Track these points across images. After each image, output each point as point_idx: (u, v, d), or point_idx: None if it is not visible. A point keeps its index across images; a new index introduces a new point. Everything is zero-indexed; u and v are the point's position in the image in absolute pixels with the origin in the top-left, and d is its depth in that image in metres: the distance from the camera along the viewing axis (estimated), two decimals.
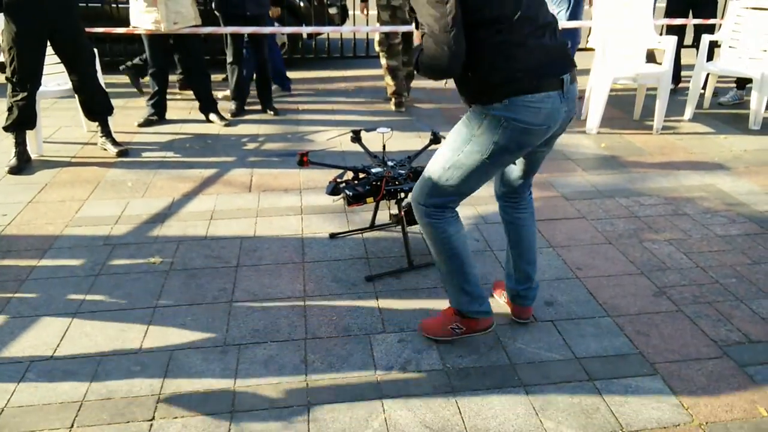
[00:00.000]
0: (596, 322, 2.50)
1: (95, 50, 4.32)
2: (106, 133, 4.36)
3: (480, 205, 3.53)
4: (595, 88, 4.74)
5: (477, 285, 2.26)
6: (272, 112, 5.22)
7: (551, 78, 1.93)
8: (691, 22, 5.48)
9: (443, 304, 2.61)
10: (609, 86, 4.62)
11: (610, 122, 4.95)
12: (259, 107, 5.32)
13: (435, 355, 2.30)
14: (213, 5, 5.03)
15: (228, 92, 5.36)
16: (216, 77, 5.65)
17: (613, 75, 4.62)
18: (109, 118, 4.39)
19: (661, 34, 5.50)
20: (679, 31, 5.47)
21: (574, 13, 5.24)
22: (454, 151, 2.05)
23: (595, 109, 4.71)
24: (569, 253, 3.03)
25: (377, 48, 5.24)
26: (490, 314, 2.30)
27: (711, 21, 5.43)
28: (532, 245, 2.41)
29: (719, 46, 5.18)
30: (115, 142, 4.34)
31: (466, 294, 2.24)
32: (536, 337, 2.41)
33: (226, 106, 5.22)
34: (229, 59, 5.11)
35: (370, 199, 2.82)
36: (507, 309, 2.55)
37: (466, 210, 3.46)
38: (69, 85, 4.28)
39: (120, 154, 4.27)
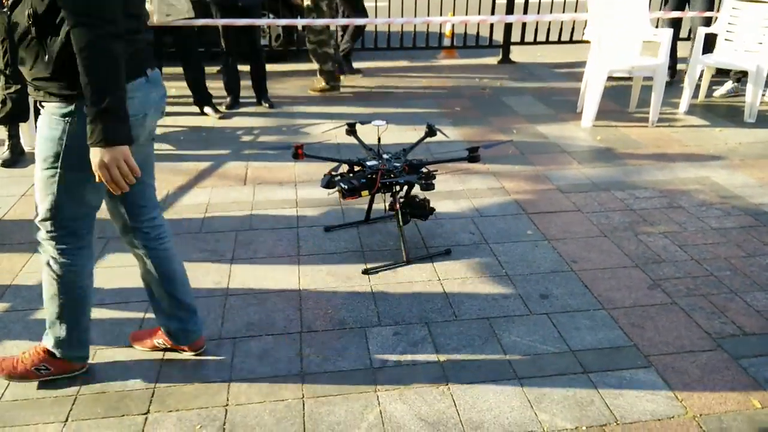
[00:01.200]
0: (591, 314, 2.51)
1: None
2: None
3: (475, 198, 3.53)
4: (590, 80, 4.74)
5: (87, 330, 2.10)
6: (267, 105, 5.20)
7: (135, 65, 1.76)
8: (687, 14, 5.47)
9: (438, 296, 2.61)
10: (605, 79, 4.61)
11: (605, 115, 4.95)
12: (254, 100, 5.29)
13: (430, 348, 2.30)
14: None
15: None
16: (210, 69, 5.62)
17: (608, 67, 4.61)
18: None
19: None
20: (675, 23, 5.47)
21: None
22: (51, 168, 1.77)
23: (590, 101, 4.71)
24: (564, 246, 3.03)
25: (315, 37, 5.34)
26: (86, 359, 2.15)
27: (707, 14, 5.42)
28: (184, 273, 2.18)
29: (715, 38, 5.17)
30: None
31: (71, 338, 2.06)
32: (531, 329, 2.41)
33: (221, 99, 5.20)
34: (223, 50, 5.08)
35: (365, 192, 2.81)
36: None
37: (461, 203, 3.46)
38: None
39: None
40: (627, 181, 3.79)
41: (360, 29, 6.11)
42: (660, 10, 5.62)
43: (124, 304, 2.57)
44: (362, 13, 5.99)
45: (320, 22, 5.37)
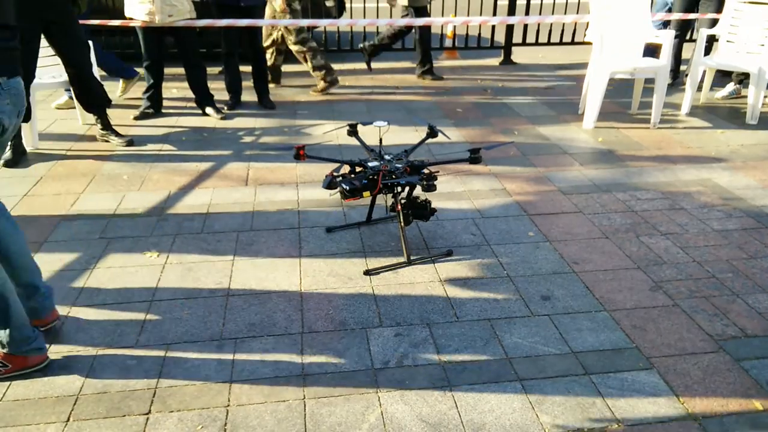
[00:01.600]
0: (593, 316, 2.51)
1: (90, 42, 4.30)
2: (106, 125, 4.35)
3: (477, 199, 3.53)
4: (592, 82, 4.74)
5: (24, 326, 2.12)
6: (269, 105, 5.20)
7: None
8: (690, 16, 5.47)
9: (439, 297, 2.61)
10: (606, 80, 4.61)
11: (607, 116, 4.95)
12: (255, 100, 5.30)
13: (431, 349, 2.31)
14: None
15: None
16: (212, 70, 5.62)
17: (610, 69, 4.61)
18: (107, 109, 4.38)
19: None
20: (682, 26, 5.46)
21: None
22: None
23: (592, 103, 4.71)
24: (566, 248, 3.03)
25: (296, 37, 5.33)
26: (43, 351, 2.19)
27: (709, 15, 5.42)
28: (24, 249, 2.20)
29: (717, 40, 5.18)
30: (118, 134, 4.35)
31: (12, 336, 2.11)
32: (533, 331, 2.41)
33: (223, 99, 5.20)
34: (224, 51, 5.09)
35: (366, 193, 2.81)
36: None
37: (463, 204, 3.46)
38: (64, 77, 4.26)
39: (128, 143, 4.29)
40: (628, 182, 3.79)
41: (402, 31, 6.00)
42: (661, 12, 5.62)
43: (125, 304, 2.57)
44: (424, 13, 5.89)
45: (323, 22, 5.37)
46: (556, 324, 2.46)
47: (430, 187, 2.83)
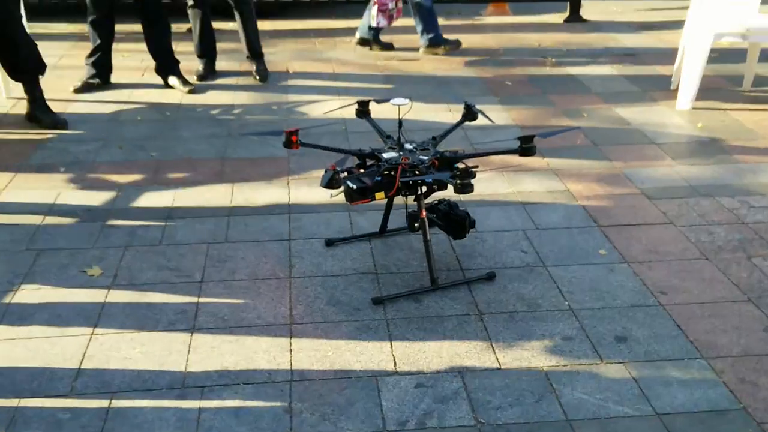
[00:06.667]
0: (685, 364, 2.50)
1: None
2: (36, 98, 4.41)
3: (530, 204, 3.53)
4: (689, 48, 4.72)
5: None
6: (258, 76, 5.22)
7: None
8: None
9: (476, 336, 2.61)
10: (709, 46, 4.59)
11: (709, 94, 4.92)
12: (234, 68, 5.34)
13: (465, 406, 2.31)
14: None
15: None
16: (179, 27, 5.69)
17: (714, 31, 4.59)
18: (39, 78, 4.44)
19: None
20: None
21: None
22: None
23: (689, 76, 4.69)
24: (650, 272, 3.02)
25: None
26: None
27: None
28: None
29: None
30: (47, 110, 4.40)
31: None
32: (602, 384, 2.41)
33: (191, 67, 5.25)
34: (191, 2, 5.12)
35: (380, 195, 2.82)
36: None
37: (512, 210, 3.46)
38: None
39: (56, 125, 4.34)
40: (738, 184, 3.76)
41: None
42: None
43: (58, 338, 2.61)
44: None
45: None
46: (635, 375, 2.45)
47: (465, 187, 2.82)
